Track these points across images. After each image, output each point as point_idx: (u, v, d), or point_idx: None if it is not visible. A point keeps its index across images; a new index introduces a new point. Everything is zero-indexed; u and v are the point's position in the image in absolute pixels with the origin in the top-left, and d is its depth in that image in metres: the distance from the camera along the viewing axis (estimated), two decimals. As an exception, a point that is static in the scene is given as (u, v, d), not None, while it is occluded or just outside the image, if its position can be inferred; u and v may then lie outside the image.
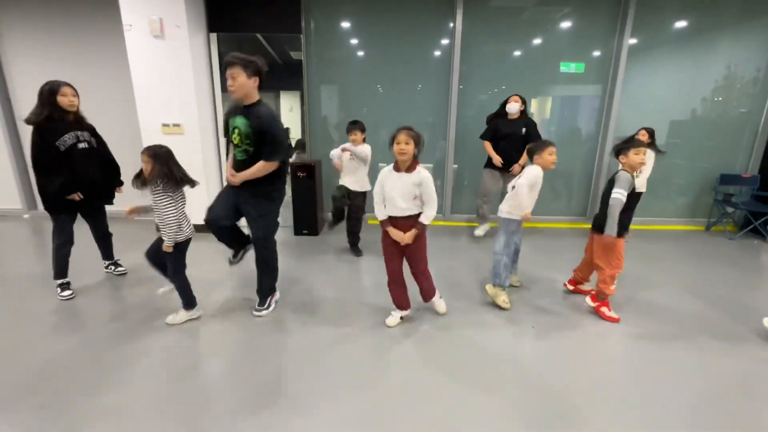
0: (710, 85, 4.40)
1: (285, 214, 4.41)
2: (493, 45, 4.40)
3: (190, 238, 2.22)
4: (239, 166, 2.16)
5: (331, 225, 3.60)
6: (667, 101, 4.45)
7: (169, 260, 2.19)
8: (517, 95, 3.71)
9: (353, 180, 3.36)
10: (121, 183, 2.86)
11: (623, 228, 2.27)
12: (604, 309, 2.42)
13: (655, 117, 4.49)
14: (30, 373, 1.86)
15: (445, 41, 4.38)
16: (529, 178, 2.36)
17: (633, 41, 4.25)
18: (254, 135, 2.06)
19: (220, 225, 2.28)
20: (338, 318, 2.41)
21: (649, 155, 3.53)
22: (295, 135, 7.03)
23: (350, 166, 3.33)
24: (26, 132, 4.64)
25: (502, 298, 2.52)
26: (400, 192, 2.08)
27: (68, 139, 2.44)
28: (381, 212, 2.19)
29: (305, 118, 4.60)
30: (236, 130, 2.10)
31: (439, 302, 2.44)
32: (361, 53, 4.49)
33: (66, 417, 1.60)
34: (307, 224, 4.07)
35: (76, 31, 4.33)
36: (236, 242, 2.49)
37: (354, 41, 4.45)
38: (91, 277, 2.89)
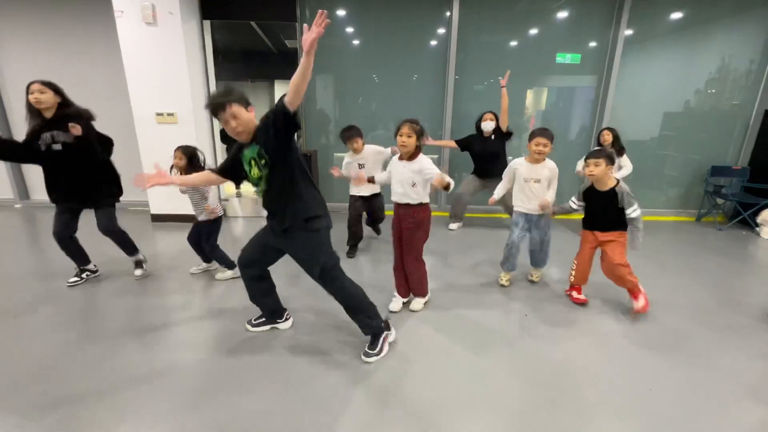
0: (704, 78, 4.43)
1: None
2: (490, 35, 4.38)
3: (221, 219, 2.72)
4: (267, 201, 1.81)
5: (352, 252, 3.34)
6: (661, 93, 4.48)
7: (205, 239, 2.70)
8: (491, 112, 3.75)
9: (369, 186, 2.95)
10: (115, 192, 2.66)
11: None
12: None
13: (648, 108, 4.53)
14: (25, 366, 1.88)
15: (441, 30, 4.36)
16: (506, 170, 2.60)
17: (629, 32, 4.26)
18: (266, 150, 1.67)
19: (246, 270, 1.99)
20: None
21: (624, 160, 3.63)
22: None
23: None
24: (17, 121, 4.58)
25: (500, 276, 2.80)
26: (400, 178, 2.17)
27: (46, 138, 2.32)
28: (380, 179, 2.38)
29: (300, 107, 4.57)
30: (248, 163, 1.74)
31: (417, 302, 2.43)
32: (356, 42, 4.45)
33: (62, 410, 1.62)
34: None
35: (65, 17, 4.24)
36: (266, 305, 2.13)
37: (349, 30, 4.40)
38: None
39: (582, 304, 2.50)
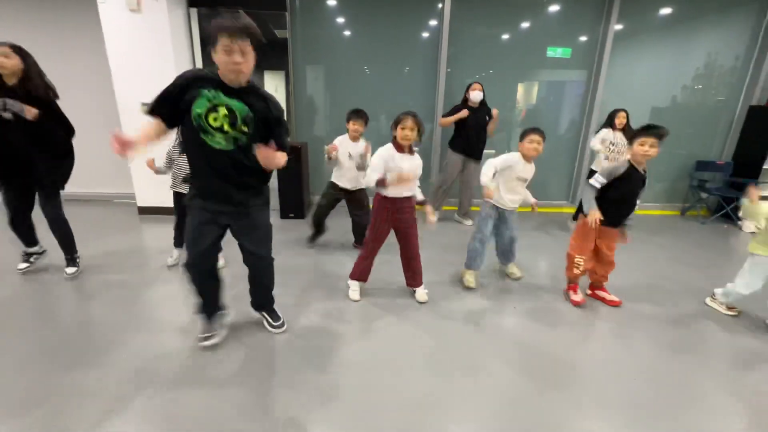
0: (691, 73, 4.50)
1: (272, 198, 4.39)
2: (482, 28, 4.36)
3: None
4: (217, 158, 1.58)
5: (312, 239, 3.28)
6: (649, 88, 4.54)
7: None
8: (478, 83, 3.71)
9: (351, 177, 2.95)
10: (58, 175, 2.43)
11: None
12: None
13: (636, 103, 4.58)
14: (11, 355, 1.84)
15: (433, 23, 4.32)
16: (498, 158, 2.46)
17: (619, 27, 4.28)
18: (258, 122, 1.57)
19: (200, 269, 1.79)
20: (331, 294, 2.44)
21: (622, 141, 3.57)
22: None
23: (351, 164, 2.92)
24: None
25: (466, 277, 2.64)
26: (410, 172, 2.16)
27: None
28: (376, 176, 2.15)
29: (290, 98, 4.51)
30: (222, 110, 1.51)
31: (421, 292, 2.46)
32: (347, 33, 4.39)
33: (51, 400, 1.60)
34: (293, 207, 4.05)
35: (45, 3, 4.09)
36: (215, 303, 1.96)
37: (340, 20, 4.34)
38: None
39: (581, 304, 2.43)
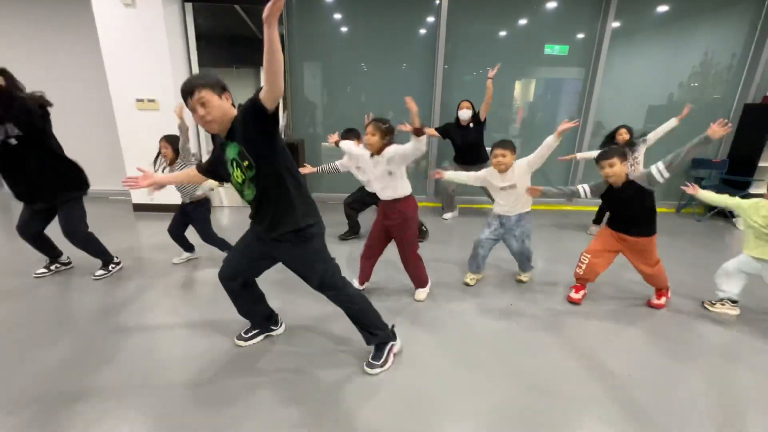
0: (687, 71, 4.50)
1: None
2: (479, 25, 4.35)
3: (209, 202, 2.80)
4: (253, 207, 1.61)
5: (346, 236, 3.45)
6: (646, 85, 4.54)
7: (199, 227, 2.75)
8: (467, 101, 3.74)
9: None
10: (77, 185, 2.48)
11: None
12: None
13: (633, 101, 4.59)
14: (9, 355, 1.83)
15: (430, 19, 4.30)
16: (475, 175, 2.55)
17: (616, 24, 4.28)
18: (248, 151, 1.46)
19: (230, 284, 1.80)
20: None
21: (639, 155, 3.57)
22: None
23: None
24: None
25: (468, 276, 2.69)
26: (376, 174, 2.19)
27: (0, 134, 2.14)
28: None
29: (287, 96, 4.49)
30: (232, 165, 1.53)
31: (421, 291, 2.46)
32: (344, 29, 4.37)
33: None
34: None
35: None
36: (257, 313, 1.96)
37: (337, 17, 4.31)
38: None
39: (576, 303, 2.44)
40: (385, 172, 2.16)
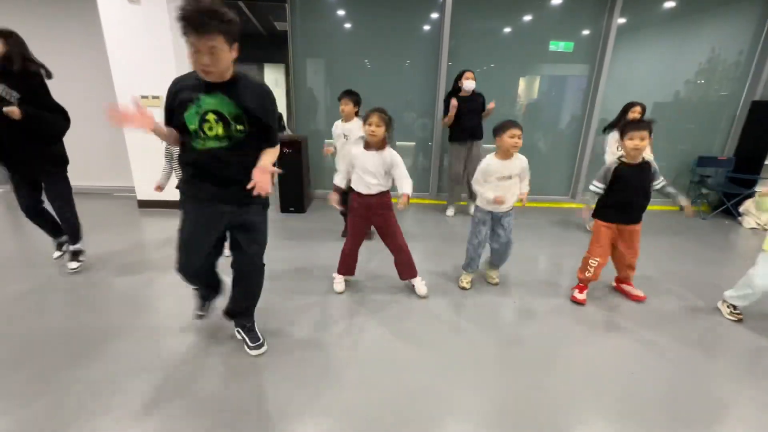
0: (694, 68, 4.46)
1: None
2: (483, 21, 4.32)
3: None
4: (211, 161, 1.50)
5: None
6: (652, 83, 4.50)
7: None
8: (470, 71, 3.68)
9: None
10: (56, 160, 2.42)
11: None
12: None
13: (639, 98, 4.52)
14: (14, 348, 1.86)
15: (434, 15, 4.28)
16: (477, 172, 2.35)
17: (622, 21, 4.24)
18: (248, 116, 1.47)
19: (199, 279, 1.82)
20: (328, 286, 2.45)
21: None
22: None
23: (344, 151, 3.00)
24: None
25: (462, 278, 2.60)
26: (372, 169, 2.17)
27: None
28: (340, 180, 2.34)
29: (290, 92, 4.49)
30: (211, 116, 1.43)
31: (420, 285, 2.45)
32: (348, 26, 4.36)
33: (52, 389, 1.61)
34: (293, 201, 4.05)
35: (43, -6, 4.06)
36: (213, 287, 1.97)
37: (341, 13, 4.30)
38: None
39: (582, 304, 2.40)
40: (382, 171, 2.18)
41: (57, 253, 2.70)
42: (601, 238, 2.36)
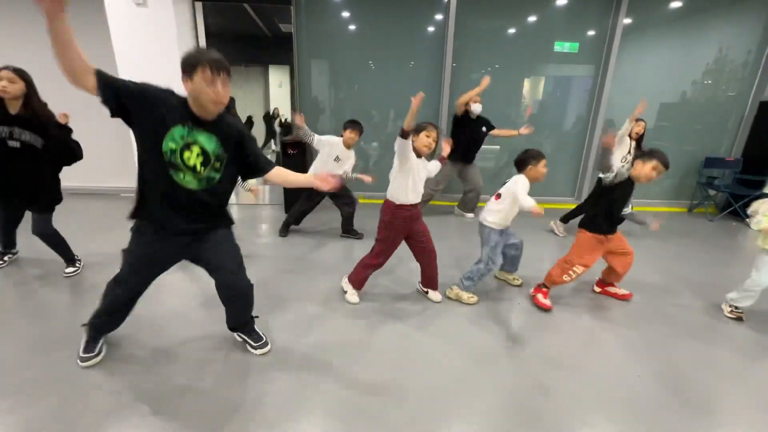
0: (701, 68, 4.43)
1: (278, 191, 4.41)
2: (488, 22, 4.32)
3: None
4: (183, 195, 1.48)
5: (285, 230, 3.37)
6: (658, 83, 4.47)
7: None
8: (477, 96, 3.70)
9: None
10: (59, 198, 2.45)
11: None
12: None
13: (645, 98, 4.52)
14: (21, 348, 1.88)
15: (439, 17, 4.29)
16: (519, 189, 2.21)
17: (627, 21, 4.22)
18: (229, 153, 1.52)
19: (133, 295, 1.73)
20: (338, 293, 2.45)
21: (625, 141, 3.49)
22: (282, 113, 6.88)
23: (335, 166, 3.15)
24: None
25: (467, 296, 2.42)
26: (424, 176, 2.22)
27: (2, 132, 2.14)
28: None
29: (295, 93, 4.51)
30: (196, 149, 1.44)
31: (434, 293, 2.44)
32: (352, 27, 4.37)
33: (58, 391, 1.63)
34: (296, 203, 4.05)
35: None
36: (119, 318, 1.81)
37: (345, 14, 4.32)
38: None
39: (548, 310, 2.35)
40: (424, 176, 2.22)
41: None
42: (591, 248, 2.30)
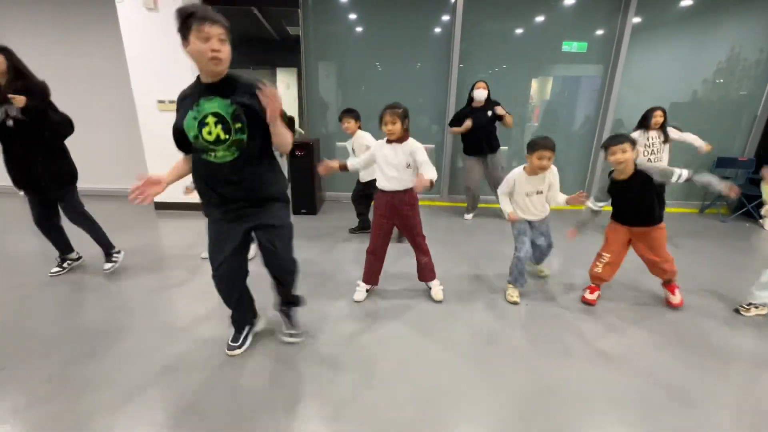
0: (712, 67, 4.36)
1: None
2: (495, 22, 4.31)
3: None
4: (220, 173, 1.51)
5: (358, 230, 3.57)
6: (669, 83, 4.41)
7: None
8: (482, 81, 3.68)
9: (366, 172, 3.20)
10: (62, 179, 2.41)
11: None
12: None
13: (655, 99, 4.44)
14: (37, 344, 1.91)
15: (445, 18, 4.29)
16: (502, 184, 2.42)
17: (637, 20, 4.18)
18: (247, 114, 1.45)
19: (228, 280, 1.75)
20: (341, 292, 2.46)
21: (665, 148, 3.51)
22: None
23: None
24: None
25: (509, 293, 2.46)
26: (393, 162, 2.14)
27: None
28: (350, 162, 2.36)
29: (303, 95, 4.54)
30: (210, 119, 1.44)
31: (436, 289, 2.44)
32: (359, 29, 4.39)
33: (72, 385, 1.66)
34: (305, 203, 4.09)
35: (64, 4, 4.20)
36: (246, 306, 1.94)
37: (353, 16, 4.34)
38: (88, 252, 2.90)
39: (591, 304, 2.38)
40: (404, 163, 2.13)
41: (55, 269, 2.65)
42: (612, 235, 2.35)
